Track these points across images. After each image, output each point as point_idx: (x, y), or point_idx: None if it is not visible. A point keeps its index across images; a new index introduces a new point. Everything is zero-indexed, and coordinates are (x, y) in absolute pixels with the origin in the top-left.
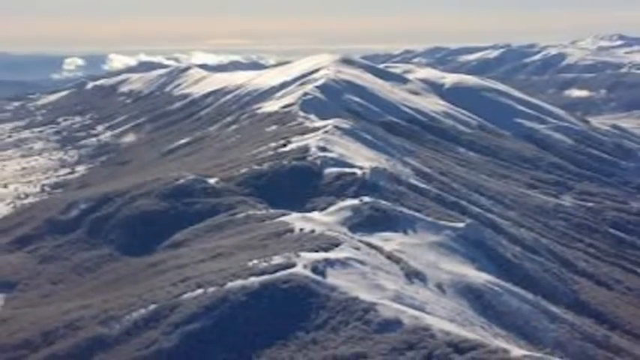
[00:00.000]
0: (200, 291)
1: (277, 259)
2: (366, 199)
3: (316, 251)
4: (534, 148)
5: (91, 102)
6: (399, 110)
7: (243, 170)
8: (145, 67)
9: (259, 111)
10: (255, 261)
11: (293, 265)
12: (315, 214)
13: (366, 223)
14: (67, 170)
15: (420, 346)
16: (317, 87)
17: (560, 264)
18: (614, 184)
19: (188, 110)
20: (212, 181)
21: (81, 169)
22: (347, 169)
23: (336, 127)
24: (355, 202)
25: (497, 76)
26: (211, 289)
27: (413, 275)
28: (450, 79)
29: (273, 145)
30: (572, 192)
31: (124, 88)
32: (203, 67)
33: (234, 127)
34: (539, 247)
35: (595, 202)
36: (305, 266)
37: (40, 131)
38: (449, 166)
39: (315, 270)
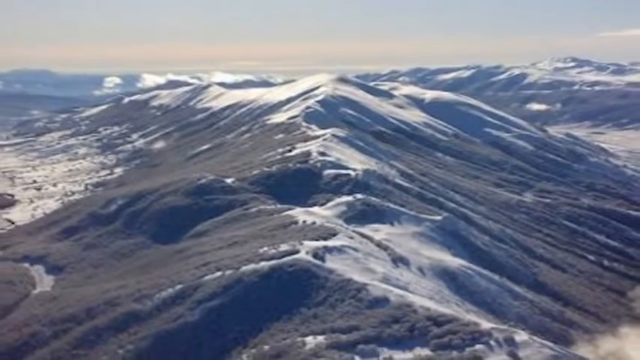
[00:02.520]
0: (219, 273)
1: (284, 247)
2: (359, 196)
3: (317, 240)
4: (500, 153)
5: (127, 114)
6: (386, 121)
7: (255, 172)
8: (173, 84)
9: (269, 122)
10: (265, 248)
11: (297, 252)
12: (316, 209)
13: (358, 216)
14: (107, 172)
15: (404, 320)
16: (317, 101)
17: (522, 250)
18: (568, 184)
19: (209, 121)
20: (229, 180)
21: (118, 170)
22: (342, 171)
23: (333, 135)
24: (349, 198)
25: (469, 92)
26: (228, 272)
27: (398, 260)
28: (429, 94)
29: (280, 150)
30: (533, 190)
31: (155, 103)
32: (222, 84)
33: (247, 135)
34: (504, 237)
35: (551, 198)
36: (307, 252)
37: (84, 139)
38: (428, 168)
39: (315, 256)
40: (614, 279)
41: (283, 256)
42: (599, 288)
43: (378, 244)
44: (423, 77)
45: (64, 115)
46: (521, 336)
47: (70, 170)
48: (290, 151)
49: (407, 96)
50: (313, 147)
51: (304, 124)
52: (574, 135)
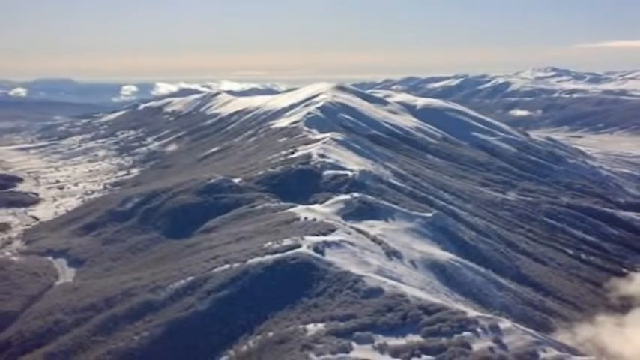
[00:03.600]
0: (227, 266)
1: (287, 241)
2: (356, 194)
3: (317, 235)
4: (486, 155)
5: (142, 119)
6: (381, 126)
7: (260, 172)
8: (184, 92)
9: (273, 126)
10: (269, 243)
11: (299, 246)
12: (316, 207)
13: (355, 213)
14: (124, 172)
15: (398, 309)
16: (318, 108)
17: (506, 245)
18: (548, 183)
19: (217, 126)
20: (236, 180)
21: (134, 171)
22: (341, 172)
23: (332, 139)
24: (347, 197)
25: (457, 99)
26: (236, 265)
27: (392, 254)
28: (420, 101)
29: (283, 152)
30: (516, 189)
31: (168, 109)
32: (229, 92)
33: (253, 139)
34: (489, 232)
35: (533, 197)
36: (308, 247)
37: (103, 142)
38: (419, 169)
39: (316, 249)
40: (590, 271)
41: (286, 250)
42: (576, 279)
43: (374, 239)
44: (414, 85)
45: (84, 121)
46: (505, 323)
47: (90, 171)
48: (292, 153)
49: (400, 103)
50: (314, 150)
51: (305, 128)
52: (554, 139)
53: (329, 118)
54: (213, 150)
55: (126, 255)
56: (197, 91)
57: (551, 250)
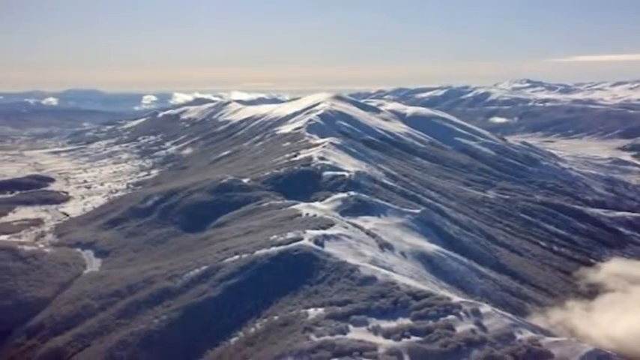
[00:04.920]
0: (237, 257)
1: (290, 235)
2: (352, 193)
3: (317, 229)
4: (468, 158)
5: (161, 126)
6: (374, 131)
7: (267, 173)
8: (199, 101)
9: (278, 132)
10: (275, 236)
11: (301, 239)
12: (317, 204)
13: (351, 209)
14: (145, 173)
15: (389, 295)
16: (318, 115)
17: (486, 238)
18: (524, 183)
19: (228, 132)
20: (245, 180)
21: (154, 172)
22: (338, 173)
23: (331, 143)
24: (344, 195)
25: (443, 107)
26: (245, 255)
27: (384, 246)
28: (409, 110)
29: (287, 155)
30: (495, 188)
31: (184, 117)
32: (239, 101)
33: (260, 143)
34: (471, 227)
35: (510, 195)
36: (309, 239)
37: (126, 146)
38: (409, 170)
39: (316, 242)
40: (561, 261)
41: (290, 243)
42: (549, 269)
43: (368, 233)
44: (404, 95)
45: (109, 127)
46: (485, 308)
47: (115, 172)
48: (295, 156)
49: (391, 111)
50: (314, 153)
51: (307, 134)
52: (529, 143)
53: (328, 124)
54: (225, 153)
55: (146, 247)
56: (210, 101)
57: (527, 242)
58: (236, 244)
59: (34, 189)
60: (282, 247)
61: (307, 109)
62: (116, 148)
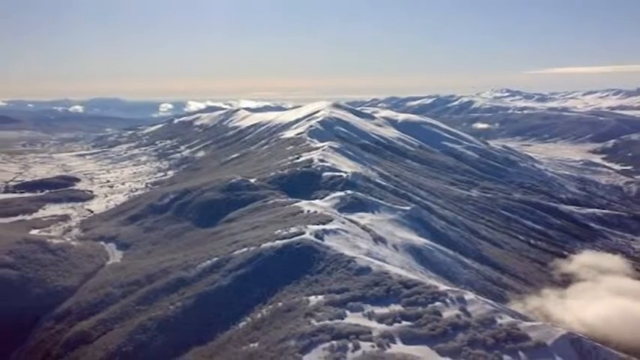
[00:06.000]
0: (245, 249)
1: (293, 229)
2: (349, 191)
3: (317, 224)
4: (454, 160)
5: (177, 131)
6: (369, 136)
7: (272, 174)
8: (211, 109)
9: (282, 137)
10: (279, 230)
11: (303, 233)
12: (317, 201)
13: (348, 206)
14: (162, 174)
15: (383, 284)
16: (318, 122)
17: (470, 232)
18: (504, 183)
19: (237, 136)
20: (252, 180)
21: (170, 173)
22: (337, 173)
23: (330, 146)
24: (342, 193)
25: (431, 115)
26: (252, 248)
27: (378, 239)
28: (401, 117)
29: (290, 158)
30: (478, 187)
31: (198, 123)
32: (247, 109)
33: (266, 146)
34: (456, 222)
35: (492, 193)
36: (310, 233)
37: (145, 149)
38: (400, 171)
39: (316, 236)
40: (538, 253)
41: (292, 236)
42: (527, 260)
43: (363, 228)
44: (396, 104)
45: (130, 132)
46: (469, 296)
47: (135, 173)
48: (297, 158)
49: (384, 118)
50: (315, 155)
51: (308, 138)
52: (508, 147)
53: (327, 130)
54: (234, 156)
55: (163, 240)
56: (221, 108)
57: (507, 236)
58: (244, 237)
59: (61, 188)
60: (285, 241)
61: (308, 116)
62: (136, 151)
